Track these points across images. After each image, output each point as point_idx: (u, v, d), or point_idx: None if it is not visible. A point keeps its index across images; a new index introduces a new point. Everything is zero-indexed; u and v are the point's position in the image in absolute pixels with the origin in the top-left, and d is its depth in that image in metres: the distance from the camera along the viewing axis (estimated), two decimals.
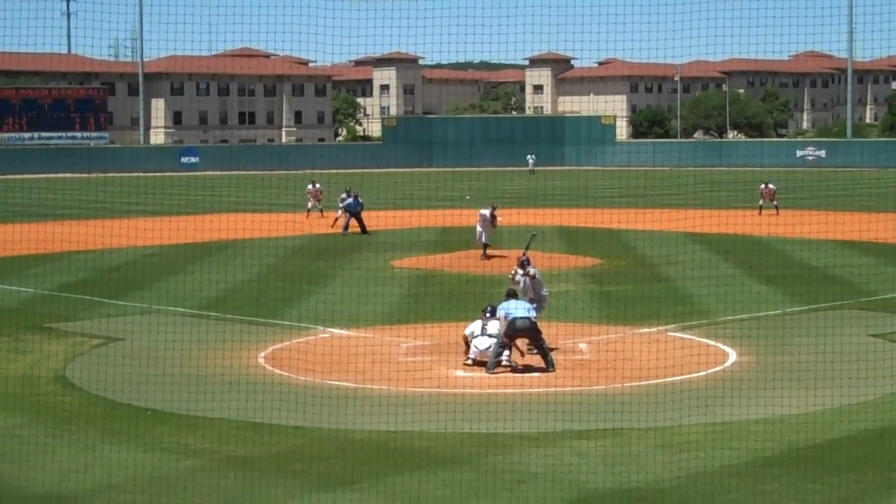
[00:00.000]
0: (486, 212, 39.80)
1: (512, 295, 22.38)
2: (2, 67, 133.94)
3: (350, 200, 48.82)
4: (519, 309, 21.63)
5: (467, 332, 22.28)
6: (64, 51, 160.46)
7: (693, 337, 24.91)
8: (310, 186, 57.37)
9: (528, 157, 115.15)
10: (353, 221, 48.44)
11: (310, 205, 56.92)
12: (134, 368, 21.51)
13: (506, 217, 53.97)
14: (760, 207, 56.75)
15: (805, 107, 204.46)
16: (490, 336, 21.82)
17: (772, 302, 29.67)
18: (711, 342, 24.30)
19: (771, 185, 57.48)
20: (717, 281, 32.38)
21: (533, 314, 21.75)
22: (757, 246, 42.53)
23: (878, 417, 18.00)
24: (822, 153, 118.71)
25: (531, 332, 21.63)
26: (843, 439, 16.89)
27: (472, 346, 22.02)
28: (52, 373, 21.73)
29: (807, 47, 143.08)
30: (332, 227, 50.75)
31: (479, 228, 39.74)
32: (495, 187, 78.57)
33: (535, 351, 21.96)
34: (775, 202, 56.98)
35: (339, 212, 50.74)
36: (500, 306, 22.03)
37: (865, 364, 21.19)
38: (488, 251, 39.24)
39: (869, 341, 24.18)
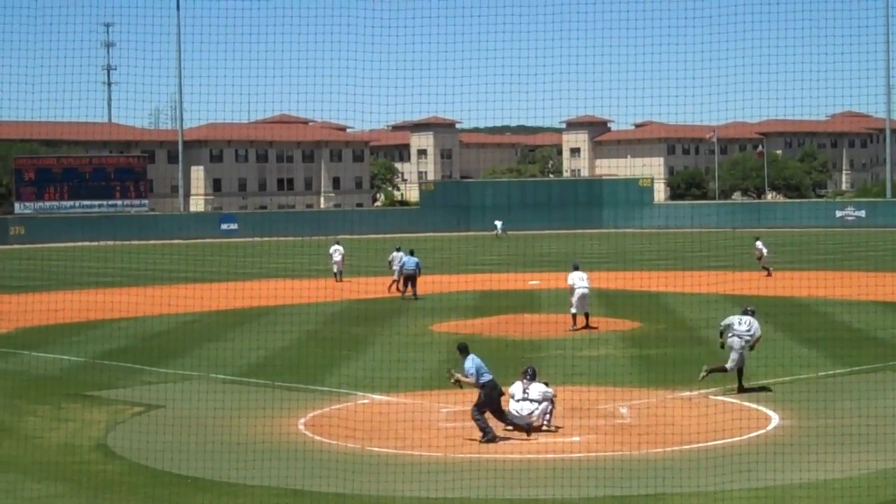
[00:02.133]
0: (583, 275, 37.12)
1: (463, 350, 22.14)
2: (44, 137, 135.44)
3: (407, 259, 48.62)
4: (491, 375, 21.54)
5: (510, 391, 22.21)
6: (104, 120, 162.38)
7: (735, 400, 24.75)
8: (338, 246, 58.79)
9: (496, 222, 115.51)
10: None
11: (335, 269, 57.78)
12: (175, 436, 21.56)
13: (545, 281, 54.01)
14: (767, 270, 56.76)
15: (844, 167, 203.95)
16: (532, 401, 21.73)
17: (813, 365, 29.44)
18: (753, 405, 24.14)
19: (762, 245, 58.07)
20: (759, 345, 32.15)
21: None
22: (798, 308, 42.28)
23: None
24: (862, 213, 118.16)
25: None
26: (888, 503, 16.69)
27: (511, 409, 21.93)
28: (94, 441, 21.81)
29: (844, 107, 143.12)
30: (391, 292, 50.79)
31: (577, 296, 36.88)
32: (532, 251, 78.62)
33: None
34: (762, 263, 57.56)
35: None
36: (471, 361, 21.74)
37: None
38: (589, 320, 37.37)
39: None
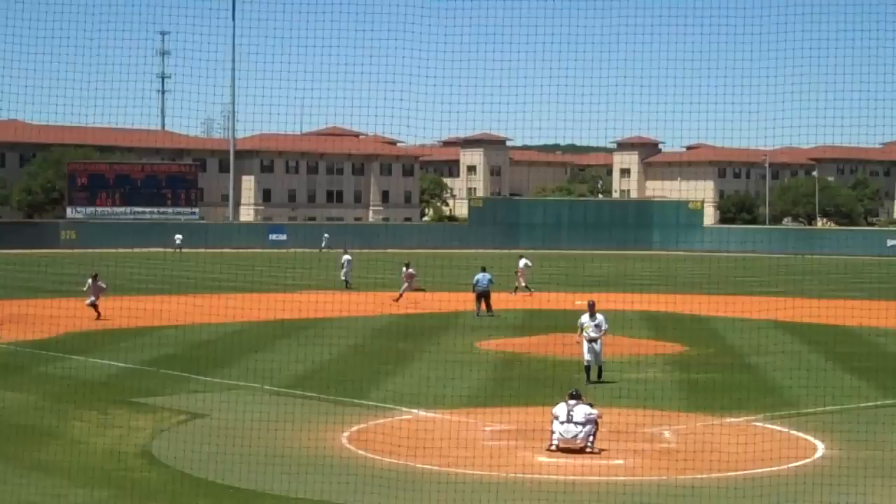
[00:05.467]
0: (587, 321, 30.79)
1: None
2: (97, 142, 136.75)
3: (480, 276, 48.46)
4: None
5: (554, 411, 22.08)
6: (158, 127, 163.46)
7: (780, 428, 24.55)
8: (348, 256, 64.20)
9: (325, 234, 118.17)
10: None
11: (345, 277, 62.75)
12: (219, 446, 21.59)
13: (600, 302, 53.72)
14: (516, 289, 58.16)
15: None
16: (576, 423, 21.62)
17: (863, 395, 29.15)
18: (799, 434, 23.92)
19: (526, 263, 59.83)
20: (806, 373, 31.92)
21: None
22: (848, 337, 41.91)
23: None
24: None
25: None
26: None
27: (555, 431, 21.83)
28: (138, 448, 21.91)
29: None
30: (396, 301, 53.27)
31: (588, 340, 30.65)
32: (584, 272, 78.42)
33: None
34: (522, 282, 58.74)
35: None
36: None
37: None
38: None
39: None
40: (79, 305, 44.40)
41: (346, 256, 64.44)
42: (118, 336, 39.62)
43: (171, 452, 21.37)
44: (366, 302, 52.57)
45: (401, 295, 54.19)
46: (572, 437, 21.58)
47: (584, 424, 21.62)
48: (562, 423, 21.74)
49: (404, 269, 55.58)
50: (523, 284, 59.40)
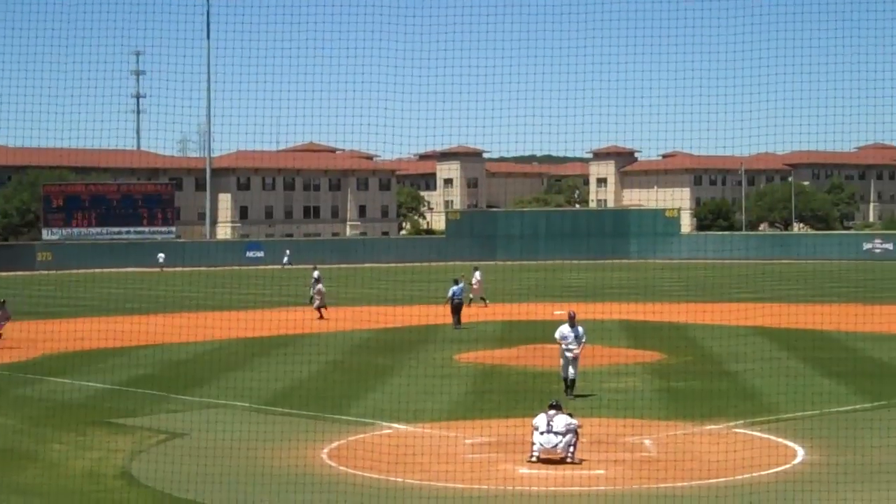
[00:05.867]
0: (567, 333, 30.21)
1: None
2: (72, 164, 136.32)
3: (455, 288, 48.63)
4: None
5: (534, 422, 22.08)
6: (133, 147, 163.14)
7: (760, 434, 24.57)
8: (476, 275, 61.55)
9: (286, 250, 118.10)
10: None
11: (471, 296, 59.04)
12: (199, 465, 21.50)
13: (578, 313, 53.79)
14: (471, 300, 57.43)
15: (871, 199, 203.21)
16: (556, 433, 21.62)
17: (842, 400, 29.21)
18: (779, 439, 23.95)
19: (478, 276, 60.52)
20: (785, 378, 32.00)
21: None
22: (825, 341, 42.05)
23: None
24: (890, 246, 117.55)
25: None
26: None
27: (536, 442, 21.82)
28: (118, 469, 21.79)
29: (872, 139, 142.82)
30: (320, 318, 52.48)
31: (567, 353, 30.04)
32: (562, 283, 78.47)
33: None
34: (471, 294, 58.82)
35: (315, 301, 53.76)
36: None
37: None
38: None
39: None
40: (55, 328, 44.20)
41: (316, 273, 63.59)
42: (96, 357, 39.44)
43: (151, 473, 21.26)
44: (343, 318, 52.50)
45: (319, 310, 53.94)
46: (552, 448, 21.57)
47: (564, 434, 21.61)
48: (542, 433, 21.72)
49: (316, 283, 55.18)
50: (480, 297, 59.50)
